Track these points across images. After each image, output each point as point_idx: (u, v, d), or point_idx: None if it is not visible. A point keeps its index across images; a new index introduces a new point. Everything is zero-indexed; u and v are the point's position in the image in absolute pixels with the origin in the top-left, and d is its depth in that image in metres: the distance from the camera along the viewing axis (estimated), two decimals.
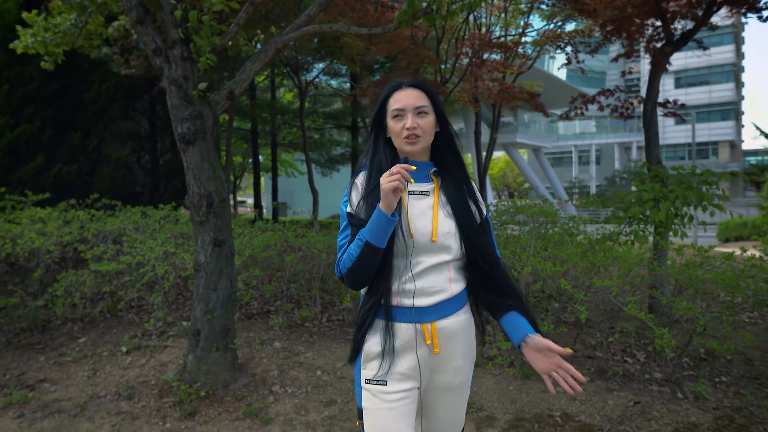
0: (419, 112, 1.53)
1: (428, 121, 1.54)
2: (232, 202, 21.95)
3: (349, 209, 1.56)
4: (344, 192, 1.63)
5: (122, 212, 6.25)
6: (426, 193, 1.58)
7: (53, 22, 4.13)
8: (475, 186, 1.67)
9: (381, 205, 1.42)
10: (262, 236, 5.65)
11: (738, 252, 4.05)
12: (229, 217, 3.83)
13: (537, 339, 1.45)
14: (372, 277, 1.50)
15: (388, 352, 1.52)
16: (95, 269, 4.67)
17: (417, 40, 9.24)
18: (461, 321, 1.57)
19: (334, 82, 16.74)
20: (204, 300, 3.69)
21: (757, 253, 4.23)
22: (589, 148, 47.43)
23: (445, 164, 1.63)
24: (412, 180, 1.44)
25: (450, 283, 1.55)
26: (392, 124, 1.55)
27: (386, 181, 1.39)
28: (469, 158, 38.15)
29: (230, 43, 4.14)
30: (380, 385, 1.51)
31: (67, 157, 8.46)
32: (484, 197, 12.23)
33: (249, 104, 14.41)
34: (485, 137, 14.52)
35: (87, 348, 4.61)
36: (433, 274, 1.52)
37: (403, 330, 1.51)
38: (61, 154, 8.39)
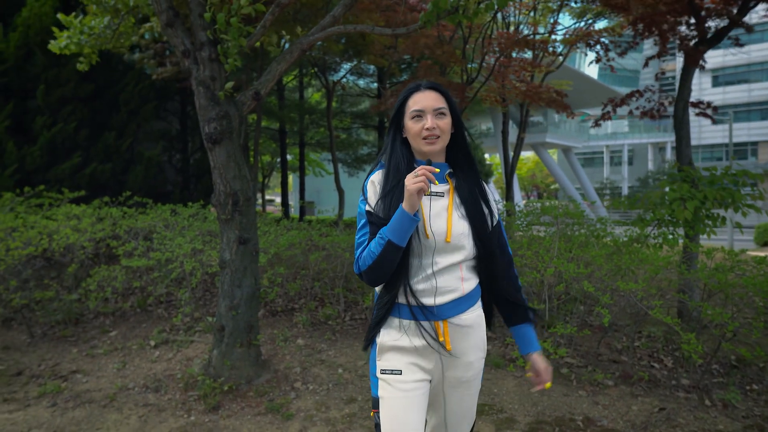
0: (438, 113, 1.58)
1: (446, 122, 1.59)
2: (260, 200, 22.26)
3: (368, 207, 1.60)
4: (361, 189, 1.67)
5: (153, 210, 6.41)
6: (441, 194, 1.63)
7: (87, 24, 4.27)
8: (488, 187, 1.72)
9: (404, 205, 1.46)
10: (287, 235, 5.72)
11: None
12: (254, 215, 3.90)
13: (535, 360, 1.69)
14: (390, 274, 1.54)
15: (402, 348, 1.58)
16: (126, 265, 4.81)
17: (444, 39, 9.20)
18: (472, 318, 1.62)
19: (361, 82, 16.81)
20: (229, 296, 3.77)
21: None
22: (622, 149, 46.42)
23: (459, 165, 1.68)
24: (436, 182, 1.52)
25: (462, 282, 1.60)
26: (411, 125, 1.60)
27: (412, 182, 1.43)
28: (496, 158, 37.80)
29: (258, 43, 4.22)
30: (395, 374, 1.58)
31: (101, 156, 8.73)
32: (511, 197, 12.15)
33: (277, 104, 14.59)
34: (513, 137, 14.37)
35: (117, 341, 4.75)
36: (446, 274, 1.58)
37: (417, 327, 1.57)
38: (96, 153, 8.66)
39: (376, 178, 1.65)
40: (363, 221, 1.61)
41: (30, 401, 3.58)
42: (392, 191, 1.58)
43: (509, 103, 11.04)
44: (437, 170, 1.48)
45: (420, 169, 1.44)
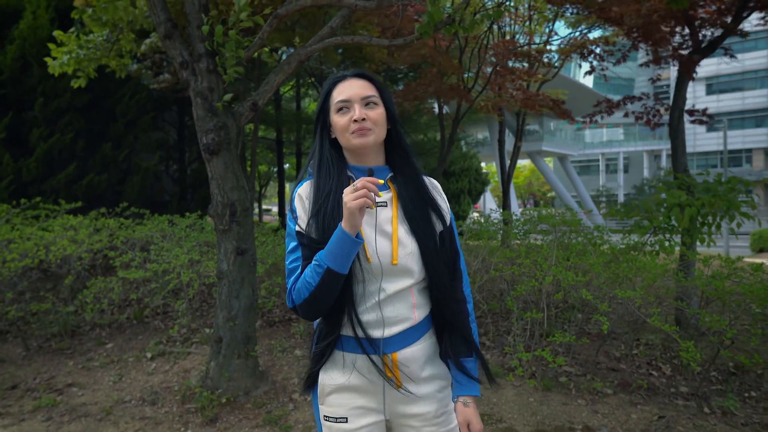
0: (368, 102, 1.36)
1: (379, 113, 1.37)
2: (257, 210, 22.25)
3: (297, 227, 1.36)
4: (289, 205, 1.43)
5: (150, 220, 6.40)
6: (383, 204, 1.40)
7: (86, 39, 4.29)
8: (432, 183, 1.50)
9: (344, 225, 1.24)
10: (284, 245, 5.71)
11: None
12: (251, 226, 3.90)
13: (462, 411, 1.43)
14: (330, 307, 1.32)
15: (347, 388, 1.39)
16: (123, 276, 4.79)
17: (440, 49, 9.27)
18: (424, 348, 1.42)
19: None
20: (226, 307, 3.76)
21: None
22: (617, 156, 46.61)
23: (398, 166, 1.45)
24: (380, 193, 1.26)
25: (414, 310, 1.39)
26: (337, 119, 1.37)
27: (351, 197, 1.21)
28: (493, 167, 37.90)
29: (256, 54, 4.24)
30: (340, 422, 1.39)
31: (98, 166, 8.71)
32: (508, 206, 12.16)
33: (274, 114, 14.62)
34: (509, 145, 14.43)
35: (114, 353, 4.72)
36: (395, 302, 1.37)
37: (362, 363, 1.37)
38: (92, 164, 8.65)
39: (304, 191, 1.40)
40: (293, 244, 1.37)
41: (25, 415, 3.55)
42: (324, 205, 1.34)
43: (507, 111, 11.10)
44: (381, 181, 1.25)
45: (360, 182, 1.21)
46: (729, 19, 5.70)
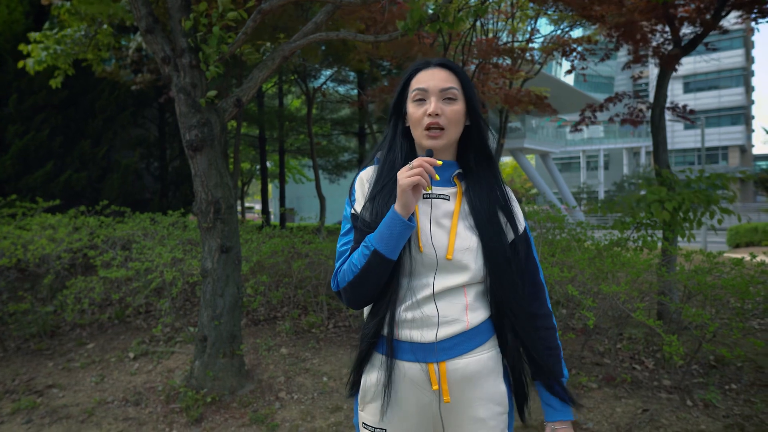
0: (446, 96, 1.26)
1: (456, 110, 1.27)
2: (240, 208, 22.06)
3: (353, 210, 1.31)
4: (349, 189, 1.38)
5: (131, 219, 6.29)
6: (445, 198, 1.31)
7: (64, 33, 4.19)
8: (512, 195, 1.39)
9: (396, 206, 1.17)
10: (269, 242, 5.67)
11: (747, 258, 4.01)
12: (236, 223, 3.85)
13: None
14: (377, 295, 1.25)
15: (388, 396, 1.25)
16: (104, 275, 4.70)
17: (424, 46, 9.26)
18: (482, 361, 1.26)
19: (341, 89, 16.83)
20: (211, 306, 3.71)
21: (767, 259, 4.19)
22: (598, 154, 47.26)
23: (473, 166, 1.34)
24: (437, 176, 1.18)
25: (466, 312, 1.25)
26: (412, 110, 1.28)
27: (405, 175, 1.14)
28: None
29: (238, 50, 4.19)
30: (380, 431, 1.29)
31: (77, 164, 8.56)
32: None
33: (257, 111, 14.51)
34: (492, 143, 14.51)
35: (95, 354, 4.64)
36: (444, 300, 1.24)
37: (406, 369, 1.24)
38: (71, 161, 8.49)
39: (366, 175, 1.35)
40: (347, 226, 1.32)
41: (4, 418, 3.46)
42: (384, 189, 1.28)
43: (489, 108, 11.15)
44: (439, 162, 1.18)
45: (417, 161, 1.15)
46: (708, 17, 5.79)
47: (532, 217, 5.16)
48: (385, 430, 1.27)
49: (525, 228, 1.35)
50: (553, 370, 1.31)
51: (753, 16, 5.83)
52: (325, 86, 14.55)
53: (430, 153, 1.21)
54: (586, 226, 5.46)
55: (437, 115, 1.24)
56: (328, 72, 13.79)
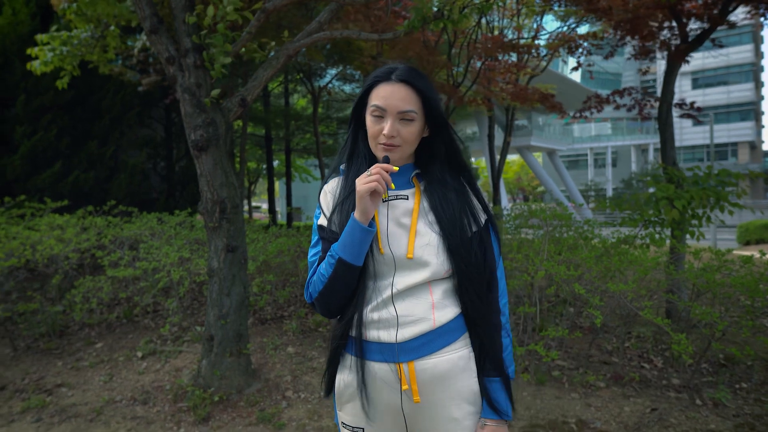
0: (402, 118, 1.26)
1: (411, 131, 1.27)
2: (246, 207, 22.13)
3: (321, 221, 1.34)
4: (318, 202, 1.40)
5: (138, 218, 6.32)
6: (404, 198, 1.32)
7: (69, 35, 4.21)
8: (478, 187, 1.41)
9: (356, 213, 1.20)
10: (275, 242, 5.68)
11: (757, 255, 3.97)
12: (242, 223, 3.86)
13: None
14: (347, 302, 1.27)
15: (362, 396, 1.27)
16: (112, 275, 4.73)
17: (429, 44, 9.24)
18: (452, 360, 1.25)
19: (347, 88, 16.83)
20: (217, 305, 3.72)
21: None
22: (605, 151, 46.97)
23: (430, 166, 1.36)
24: (392, 185, 1.21)
25: (432, 310, 1.25)
26: (369, 123, 1.29)
27: (363, 182, 1.17)
28: (482, 162, 38.03)
29: (243, 49, 4.19)
30: (358, 431, 1.32)
31: (84, 164, 8.61)
32: (498, 201, 12.19)
33: (263, 110, 14.53)
34: (499, 140, 14.47)
35: (104, 353, 4.67)
36: (409, 299, 1.25)
37: (376, 370, 1.25)
38: (78, 161, 8.54)
39: (329, 187, 1.37)
40: (316, 238, 1.34)
41: (14, 417, 3.49)
42: (348, 198, 1.30)
43: (497, 105, 11.12)
44: (395, 168, 1.21)
45: (374, 167, 1.18)
46: (716, 12, 5.73)
47: (539, 215, 5.13)
48: (363, 429, 1.30)
49: (486, 221, 1.35)
50: (488, 368, 1.29)
51: (761, 11, 5.77)
52: (330, 85, 14.56)
53: (386, 159, 1.24)
54: (593, 223, 5.43)
55: (393, 136, 1.25)
56: (334, 71, 13.79)
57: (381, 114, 1.26)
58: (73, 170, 8.39)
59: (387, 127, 1.24)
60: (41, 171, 8.00)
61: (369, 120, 1.29)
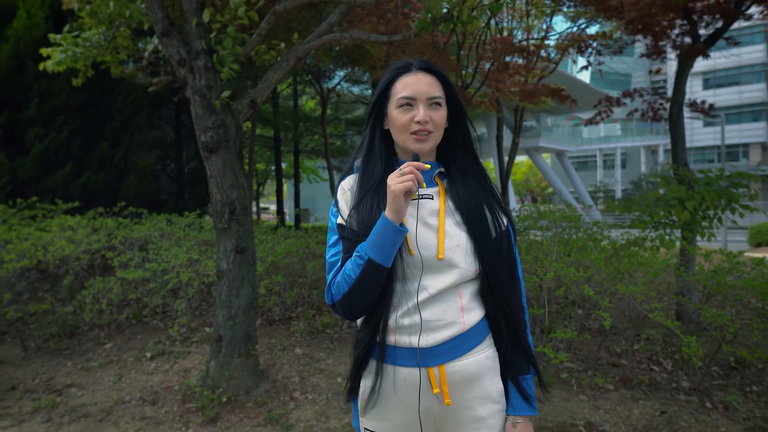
0: (433, 103, 1.26)
1: (442, 115, 1.28)
2: (255, 208, 22.21)
3: (339, 220, 1.30)
4: (334, 200, 1.38)
5: (148, 220, 6.37)
6: (429, 197, 1.31)
7: (84, 36, 4.25)
8: (497, 192, 1.39)
9: (387, 212, 1.17)
10: (284, 243, 5.69)
11: None
12: (251, 224, 3.88)
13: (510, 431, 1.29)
14: (373, 304, 1.24)
15: (387, 402, 1.27)
16: (122, 276, 4.77)
17: (438, 46, 9.24)
18: (479, 361, 1.26)
19: (355, 89, 16.86)
20: (226, 306, 3.74)
21: None
22: (615, 152, 46.67)
23: (454, 165, 1.36)
24: (424, 184, 1.20)
25: (462, 314, 1.25)
26: (397, 115, 1.27)
27: (397, 181, 1.15)
28: (490, 163, 37.95)
29: (253, 52, 4.21)
30: None
31: (95, 166, 8.68)
32: (507, 202, 12.13)
33: (272, 112, 14.59)
34: (507, 142, 14.43)
35: (113, 353, 4.70)
36: (439, 303, 1.24)
37: (404, 375, 1.24)
38: (89, 163, 8.61)
39: (347, 184, 1.35)
40: (335, 237, 1.31)
41: (24, 416, 3.52)
42: (367, 197, 1.28)
43: (506, 106, 11.08)
44: (427, 167, 1.20)
45: (406, 166, 1.16)
46: (729, 6, 5.67)
47: (548, 217, 5.11)
48: None
49: (507, 223, 1.35)
50: (522, 366, 1.30)
51: None
52: (339, 87, 14.59)
53: (416, 158, 1.22)
54: (602, 225, 5.40)
55: (426, 122, 1.25)
56: (342, 72, 13.83)
57: (410, 103, 1.26)
58: (84, 172, 8.47)
59: (420, 113, 1.24)
60: (53, 172, 8.08)
61: (396, 113, 1.28)
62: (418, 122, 1.24)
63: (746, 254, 4.28)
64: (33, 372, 4.34)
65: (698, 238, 4.63)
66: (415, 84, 1.26)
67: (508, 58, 9.91)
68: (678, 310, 4.81)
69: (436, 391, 1.23)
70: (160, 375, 4.17)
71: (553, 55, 10.98)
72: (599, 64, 9.25)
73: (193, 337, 4.98)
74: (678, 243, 4.63)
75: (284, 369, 4.20)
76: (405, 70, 1.29)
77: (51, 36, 4.34)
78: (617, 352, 4.42)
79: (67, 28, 4.48)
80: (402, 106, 1.27)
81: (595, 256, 3.91)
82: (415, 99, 1.26)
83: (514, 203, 26.21)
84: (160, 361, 4.46)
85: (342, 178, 1.39)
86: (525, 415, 1.29)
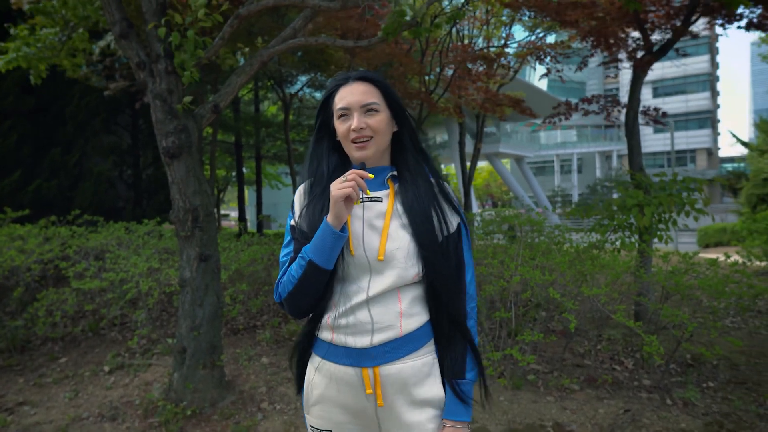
0: (368, 109, 1.29)
1: (379, 120, 1.30)
2: (215, 215, 21.74)
3: (293, 222, 1.36)
4: (292, 203, 1.43)
5: (105, 228, 6.13)
6: (378, 200, 1.34)
7: (37, 36, 4.07)
8: (449, 191, 1.41)
9: (329, 217, 1.21)
10: (248, 250, 5.58)
11: (722, 258, 4.10)
12: (215, 231, 3.78)
13: None
14: (316, 304, 1.29)
15: (330, 400, 1.32)
16: (77, 287, 4.56)
17: (401, 52, 9.30)
18: (416, 366, 1.28)
19: (317, 94, 16.77)
20: (190, 316, 3.63)
21: (740, 259, 4.29)
22: (571, 157, 48.03)
23: (406, 168, 1.37)
24: (368, 191, 1.25)
25: (400, 318, 1.27)
26: (338, 125, 1.33)
27: (338, 187, 1.19)
28: (451, 168, 38.41)
29: (215, 56, 4.13)
30: None
31: (47, 172, 8.32)
32: (469, 207, 12.31)
33: (233, 117, 14.34)
34: (468, 147, 14.64)
35: (68, 368, 4.49)
36: (378, 306, 1.26)
37: (341, 374, 1.28)
38: (40, 169, 8.25)
39: (304, 187, 1.40)
40: (288, 238, 1.36)
41: None
42: (314, 201, 1.33)
43: (468, 113, 11.25)
44: (371, 176, 1.23)
45: (350, 173, 1.20)
46: (678, 23, 5.94)
47: (511, 221, 5.20)
48: (331, 431, 1.34)
49: (458, 224, 1.36)
50: (459, 369, 1.31)
51: (721, 21, 6.00)
52: (301, 92, 14.49)
53: (362, 166, 1.27)
54: (564, 229, 5.53)
55: (362, 128, 1.29)
56: (305, 78, 13.74)
57: (347, 113, 1.31)
58: (35, 178, 8.11)
59: (354, 121, 1.28)
60: (0, 179, 7.70)
61: (337, 124, 1.33)
62: (354, 130, 1.28)
63: (700, 255, 4.46)
64: None
65: (655, 240, 4.79)
66: (349, 95, 1.31)
67: (470, 65, 10.07)
68: (637, 310, 4.96)
69: (369, 391, 1.26)
70: (120, 389, 4.01)
71: (513, 63, 11.22)
72: (558, 71, 9.52)
73: (154, 348, 4.81)
74: (636, 245, 4.79)
75: (251, 379, 4.11)
76: (343, 82, 1.34)
77: (9, 25, 4.12)
78: (581, 352, 4.52)
79: (19, 27, 4.27)
80: (341, 117, 1.32)
81: (559, 259, 3.99)
82: (350, 108, 1.30)
83: (476, 208, 26.58)
84: (120, 375, 4.29)
85: (300, 183, 1.44)
86: (458, 420, 1.29)
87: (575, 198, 44.40)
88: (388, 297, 1.27)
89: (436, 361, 1.31)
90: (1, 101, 7.74)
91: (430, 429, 1.28)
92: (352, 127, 1.28)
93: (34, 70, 4.18)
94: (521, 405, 3.55)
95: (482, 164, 46.73)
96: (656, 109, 6.99)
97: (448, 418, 1.30)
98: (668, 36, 6.08)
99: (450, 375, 1.30)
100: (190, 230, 3.61)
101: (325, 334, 1.30)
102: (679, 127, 45.05)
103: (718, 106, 51.37)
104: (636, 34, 6.42)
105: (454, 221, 1.35)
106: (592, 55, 7.28)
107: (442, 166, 37.88)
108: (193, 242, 3.63)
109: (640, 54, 6.39)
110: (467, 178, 12.95)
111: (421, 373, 1.28)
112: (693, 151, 47.50)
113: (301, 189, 1.40)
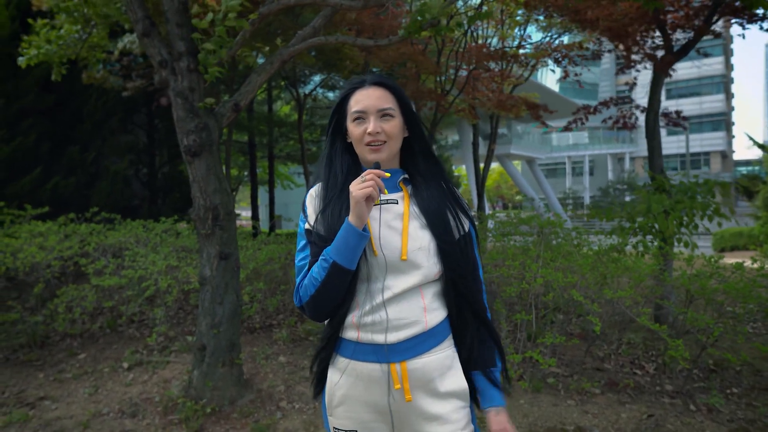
0: (383, 114, 1.33)
1: (394, 125, 1.34)
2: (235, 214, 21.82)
3: (307, 225, 1.37)
4: (302, 206, 1.44)
5: (123, 226, 6.17)
6: (394, 202, 1.37)
7: (57, 34, 4.10)
8: (459, 195, 1.46)
9: (350, 218, 1.23)
10: (265, 249, 5.59)
11: (748, 262, 4.03)
12: (234, 230, 3.79)
13: (496, 420, 1.35)
14: (338, 305, 1.30)
15: (355, 399, 1.33)
16: (97, 283, 4.59)
17: (417, 51, 9.28)
18: (439, 360, 1.32)
19: (331, 95, 16.80)
20: (210, 314, 3.63)
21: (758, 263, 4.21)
22: (583, 159, 47.70)
23: (417, 171, 1.42)
24: (386, 190, 1.30)
25: (424, 313, 1.31)
26: (352, 128, 1.36)
27: (358, 187, 1.21)
28: (462, 170, 38.30)
29: (236, 55, 4.13)
30: None
31: (65, 170, 8.39)
32: (482, 208, 12.25)
33: (247, 117, 14.40)
34: (481, 149, 14.57)
35: (87, 364, 4.52)
36: (402, 303, 1.30)
37: (368, 371, 1.30)
38: (59, 167, 8.32)
39: (315, 191, 1.41)
40: (303, 242, 1.37)
41: None
42: (332, 203, 1.34)
43: (481, 113, 11.21)
44: (387, 174, 1.28)
45: (368, 173, 1.23)
46: (698, 23, 5.87)
47: (530, 223, 5.16)
48: (356, 431, 1.34)
49: (469, 226, 1.42)
50: (490, 359, 1.37)
51: (741, 21, 5.91)
52: (315, 92, 14.52)
53: (377, 165, 1.28)
54: (581, 231, 5.47)
55: (377, 133, 1.32)
56: (318, 78, 13.76)
57: (362, 116, 1.34)
58: (53, 176, 8.17)
59: (371, 125, 1.31)
60: (20, 177, 7.77)
61: (352, 127, 1.36)
62: (370, 134, 1.32)
63: (726, 260, 4.39)
64: (2, 384, 4.13)
65: (677, 244, 4.73)
66: (365, 98, 1.34)
67: (491, 64, 10.02)
68: (657, 314, 4.89)
69: (398, 386, 1.29)
70: (139, 386, 4.03)
71: (530, 63, 11.16)
72: (577, 75, 9.45)
73: (172, 346, 4.83)
74: (660, 249, 4.73)
75: (269, 378, 4.11)
76: (359, 85, 1.37)
77: (25, 38, 4.17)
78: (600, 356, 4.47)
79: (41, 23, 4.31)
80: (356, 119, 1.35)
81: (581, 262, 3.95)
82: (366, 112, 1.33)
83: (487, 209, 26.49)
84: (138, 372, 4.31)
85: (311, 186, 1.45)
86: (499, 406, 1.35)
87: (587, 200, 44.09)
88: (412, 294, 1.31)
89: (456, 354, 1.36)
90: (21, 99, 7.81)
91: (454, 419, 1.32)
92: (368, 130, 1.32)
93: (56, 67, 4.21)
94: (542, 408, 3.52)
95: (493, 165, 46.55)
96: (677, 112, 6.91)
97: (490, 406, 1.35)
98: (689, 36, 6.00)
99: (482, 365, 1.36)
100: (211, 228, 3.62)
101: (350, 334, 1.31)
102: (693, 129, 44.59)
103: (732, 108, 50.76)
104: (655, 33, 6.35)
105: (466, 223, 1.41)
106: (609, 51, 7.20)
107: (454, 167, 37.79)
108: (214, 240, 3.64)
109: (659, 54, 6.32)
110: (480, 179, 12.89)
111: (443, 366, 1.32)
112: (707, 153, 47.01)
113: (312, 192, 1.41)
